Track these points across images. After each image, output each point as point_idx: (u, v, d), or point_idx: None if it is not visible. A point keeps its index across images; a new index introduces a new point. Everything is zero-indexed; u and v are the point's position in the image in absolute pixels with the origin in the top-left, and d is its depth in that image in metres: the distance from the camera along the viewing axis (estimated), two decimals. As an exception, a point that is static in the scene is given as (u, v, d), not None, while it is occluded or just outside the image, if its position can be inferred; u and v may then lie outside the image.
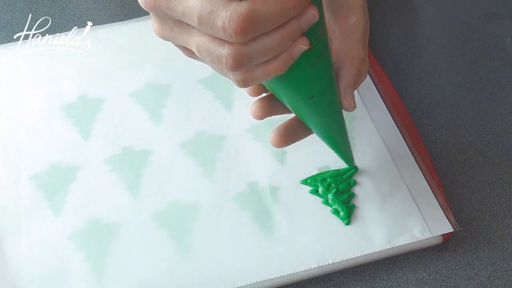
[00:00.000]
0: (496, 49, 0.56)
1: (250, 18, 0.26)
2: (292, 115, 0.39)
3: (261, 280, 0.39)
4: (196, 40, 0.29)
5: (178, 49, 0.32)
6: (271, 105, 0.37)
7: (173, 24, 0.29)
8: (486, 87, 0.53)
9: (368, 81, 0.52)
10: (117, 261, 0.41)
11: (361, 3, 0.37)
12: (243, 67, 0.28)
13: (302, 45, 0.29)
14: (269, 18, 0.26)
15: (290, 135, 0.38)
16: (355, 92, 0.50)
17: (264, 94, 0.37)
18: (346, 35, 0.36)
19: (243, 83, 0.30)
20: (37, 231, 0.42)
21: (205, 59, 0.30)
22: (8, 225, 0.43)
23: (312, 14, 0.28)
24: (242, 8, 0.26)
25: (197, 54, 0.30)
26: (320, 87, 0.34)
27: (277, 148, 0.46)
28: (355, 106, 0.37)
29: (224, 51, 0.27)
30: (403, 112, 0.49)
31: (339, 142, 0.41)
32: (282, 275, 0.40)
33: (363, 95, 0.51)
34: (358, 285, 0.41)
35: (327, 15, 0.37)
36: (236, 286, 0.39)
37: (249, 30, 0.26)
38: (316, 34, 0.30)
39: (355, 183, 0.45)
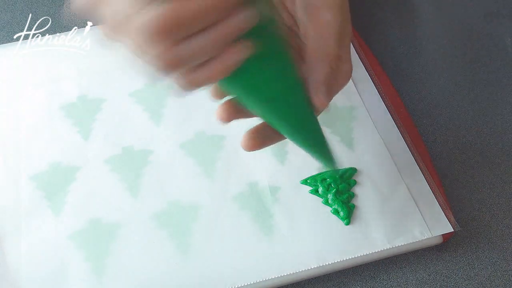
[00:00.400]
0: (496, 49, 0.56)
1: (169, 18, 0.25)
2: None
3: (261, 280, 0.39)
4: (129, 44, 0.27)
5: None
6: (237, 108, 0.35)
7: (110, 25, 0.28)
8: (486, 87, 0.53)
9: (368, 81, 0.52)
10: (117, 261, 0.41)
11: (338, 1, 0.35)
12: (177, 69, 0.27)
13: (244, 48, 0.28)
14: (190, 17, 0.25)
15: (262, 138, 0.36)
16: (355, 90, 0.51)
17: (230, 97, 0.36)
18: (320, 33, 0.35)
19: (187, 87, 0.29)
20: (37, 231, 0.42)
21: (142, 61, 0.28)
22: (8, 225, 0.43)
23: (245, 16, 0.27)
24: (160, 9, 0.25)
25: (135, 57, 0.28)
26: (278, 89, 0.32)
27: (277, 148, 0.46)
28: (327, 105, 0.35)
29: (155, 52, 0.26)
30: (403, 112, 0.49)
31: (312, 146, 0.38)
32: (282, 275, 0.40)
33: (363, 95, 0.51)
34: (358, 285, 0.41)
35: (301, 15, 0.35)
36: (236, 286, 0.39)
37: (171, 31, 0.25)
38: (263, 33, 0.28)
39: (355, 183, 0.45)
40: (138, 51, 0.27)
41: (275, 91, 0.32)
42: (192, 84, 0.29)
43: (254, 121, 0.38)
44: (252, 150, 0.36)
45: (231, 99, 0.36)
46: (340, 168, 0.45)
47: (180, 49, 0.26)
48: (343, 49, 0.36)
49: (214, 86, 0.34)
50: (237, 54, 0.28)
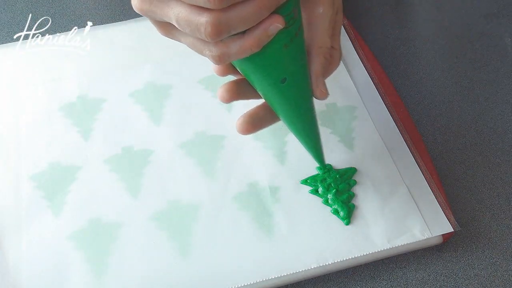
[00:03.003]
0: (496, 49, 0.56)
1: None
2: (258, 102, 0.39)
3: (261, 280, 0.39)
4: (175, 11, 0.29)
5: (155, 26, 0.33)
6: (239, 89, 0.37)
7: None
8: (486, 87, 0.53)
9: (368, 81, 0.52)
10: (117, 261, 0.41)
11: None
12: (221, 35, 0.29)
13: (278, 23, 0.30)
14: None
15: (256, 122, 0.39)
16: (355, 90, 0.51)
17: (233, 78, 0.38)
18: (313, 25, 0.37)
19: (219, 59, 0.31)
20: (37, 231, 0.42)
21: (184, 30, 0.30)
22: (8, 225, 0.43)
23: None
24: None
25: (176, 25, 0.30)
26: (292, 70, 0.34)
27: (277, 148, 0.46)
28: (328, 94, 0.37)
29: (203, 19, 0.29)
30: (403, 112, 0.49)
31: (307, 132, 0.41)
32: (282, 275, 0.40)
33: (363, 95, 0.51)
34: (358, 285, 0.41)
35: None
36: (236, 286, 0.39)
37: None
38: (291, 14, 0.31)
39: (355, 183, 0.45)
40: (188, 19, 0.29)
41: (289, 71, 0.34)
42: (225, 57, 0.31)
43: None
44: (247, 133, 0.39)
45: (233, 80, 0.37)
46: (343, 166, 0.45)
47: (227, 15, 0.29)
48: (334, 38, 0.38)
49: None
50: (271, 29, 0.30)
